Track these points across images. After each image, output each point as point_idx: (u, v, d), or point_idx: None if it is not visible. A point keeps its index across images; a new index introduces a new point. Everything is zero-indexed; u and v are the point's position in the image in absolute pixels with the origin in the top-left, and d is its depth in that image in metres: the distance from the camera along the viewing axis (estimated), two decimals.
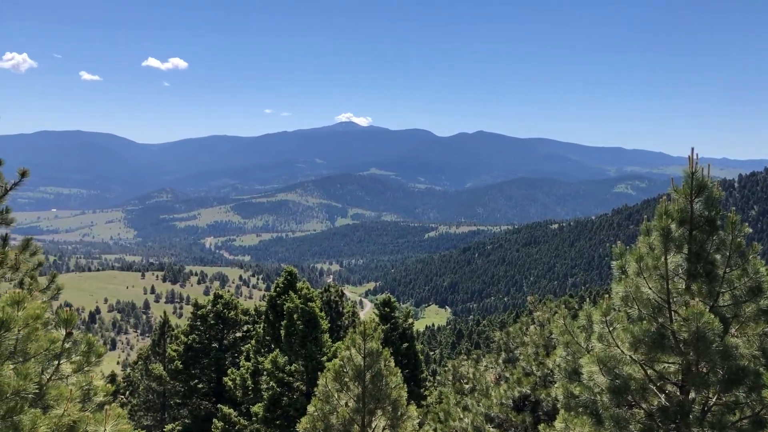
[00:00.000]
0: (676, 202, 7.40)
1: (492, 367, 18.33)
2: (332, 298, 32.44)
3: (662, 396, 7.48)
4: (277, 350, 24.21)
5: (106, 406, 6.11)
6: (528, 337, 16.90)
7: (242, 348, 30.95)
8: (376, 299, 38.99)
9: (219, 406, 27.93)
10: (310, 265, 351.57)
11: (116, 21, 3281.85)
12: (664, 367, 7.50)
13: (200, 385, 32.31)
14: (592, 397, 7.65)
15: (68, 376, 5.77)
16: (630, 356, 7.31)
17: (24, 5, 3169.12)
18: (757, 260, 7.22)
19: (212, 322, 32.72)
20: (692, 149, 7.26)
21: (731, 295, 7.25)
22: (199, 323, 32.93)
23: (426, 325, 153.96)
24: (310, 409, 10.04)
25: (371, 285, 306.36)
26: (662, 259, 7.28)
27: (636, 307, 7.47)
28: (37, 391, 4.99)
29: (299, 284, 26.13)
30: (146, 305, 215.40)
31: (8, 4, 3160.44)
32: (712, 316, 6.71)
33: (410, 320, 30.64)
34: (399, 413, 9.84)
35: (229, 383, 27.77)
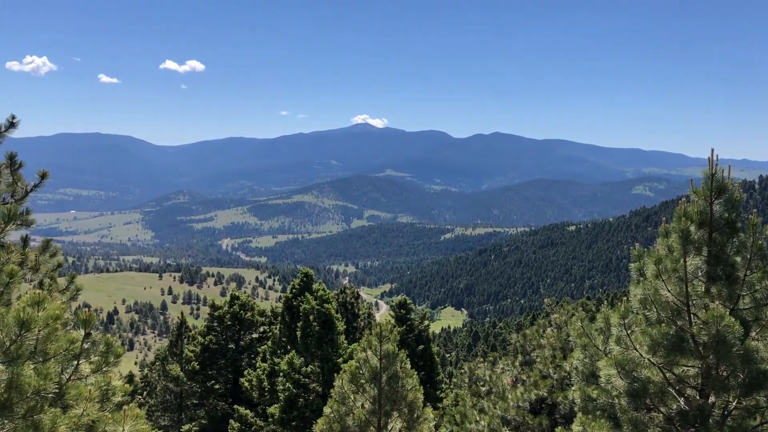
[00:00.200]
0: (696, 204, 7.32)
1: (508, 370, 18.25)
2: (348, 299, 32.46)
3: (681, 400, 7.40)
4: (294, 351, 24.28)
5: (125, 407, 6.16)
6: (545, 339, 16.82)
7: (259, 349, 31.07)
8: (392, 301, 38.99)
9: (235, 406, 28.06)
10: (326, 266, 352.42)
11: (134, 24, 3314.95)
12: (684, 371, 7.43)
13: (217, 386, 32.49)
14: (610, 401, 7.59)
15: (87, 376, 5.82)
16: (648, 359, 7.24)
17: (44, 10, 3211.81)
18: None
19: (229, 323, 32.89)
20: (712, 150, 7.19)
21: (752, 298, 7.16)
22: (215, 324, 33.11)
23: (442, 327, 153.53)
24: (327, 410, 10.06)
25: (387, 287, 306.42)
26: (681, 261, 7.20)
27: (654, 309, 7.40)
28: (56, 390, 5.04)
29: (315, 286, 26.20)
30: (163, 306, 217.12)
31: (29, 9, 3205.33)
32: (733, 320, 6.64)
33: (426, 322, 30.59)
34: (415, 415, 9.83)
35: (246, 384, 27.89)
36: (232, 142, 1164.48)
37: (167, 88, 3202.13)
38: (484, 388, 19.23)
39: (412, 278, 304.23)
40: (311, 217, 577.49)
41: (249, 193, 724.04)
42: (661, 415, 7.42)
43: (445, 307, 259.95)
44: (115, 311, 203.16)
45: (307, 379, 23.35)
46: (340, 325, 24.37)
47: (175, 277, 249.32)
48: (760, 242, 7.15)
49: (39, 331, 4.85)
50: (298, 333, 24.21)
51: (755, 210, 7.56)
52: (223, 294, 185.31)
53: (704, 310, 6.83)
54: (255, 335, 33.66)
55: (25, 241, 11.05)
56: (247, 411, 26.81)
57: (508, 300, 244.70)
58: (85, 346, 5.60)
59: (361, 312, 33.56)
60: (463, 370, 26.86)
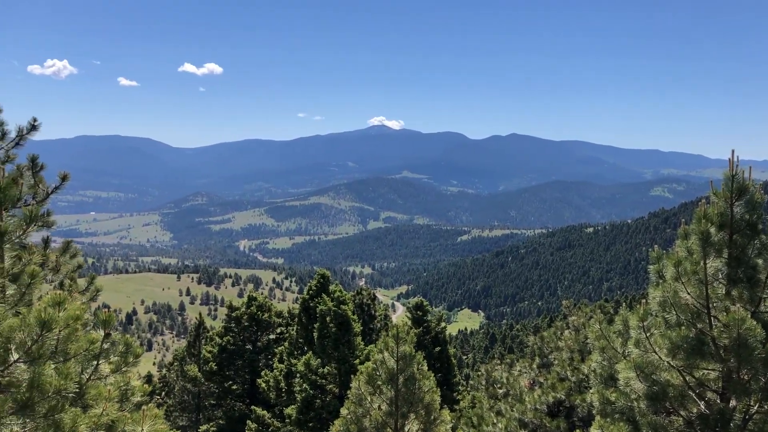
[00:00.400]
0: (716, 206, 7.24)
1: (526, 372, 18.15)
2: (364, 301, 32.48)
3: (702, 403, 7.32)
4: (310, 352, 24.33)
5: (144, 406, 6.21)
6: (562, 341, 16.72)
7: (276, 350, 31.18)
8: (409, 303, 38.95)
9: (253, 407, 28.19)
10: (343, 268, 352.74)
11: (153, 28, 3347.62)
12: (704, 374, 7.35)
13: (234, 387, 32.64)
14: (629, 404, 7.52)
15: (107, 376, 5.88)
16: (668, 362, 7.17)
17: (64, 13, 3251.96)
18: None
19: (246, 324, 33.05)
20: (732, 151, 7.12)
21: None
22: (233, 325, 33.29)
23: (459, 329, 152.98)
24: (343, 411, 10.07)
25: (403, 288, 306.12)
26: (701, 263, 7.13)
27: (674, 312, 7.33)
28: (77, 390, 5.08)
29: (332, 287, 26.25)
30: (182, 307, 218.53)
31: (49, 13, 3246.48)
32: (754, 323, 6.56)
33: (443, 324, 30.52)
34: (432, 417, 9.81)
35: (263, 385, 28.01)
36: (249, 144, 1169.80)
37: (186, 90, 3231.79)
38: (501, 391, 19.15)
39: (429, 280, 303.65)
40: (328, 218, 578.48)
41: (266, 195, 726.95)
42: (681, 418, 7.35)
43: (461, 309, 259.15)
44: (134, 312, 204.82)
45: (323, 381, 23.39)
46: (357, 327, 24.40)
47: (193, 278, 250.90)
48: None
49: (60, 331, 4.90)
50: (315, 334, 24.27)
51: None
52: (240, 295, 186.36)
53: (725, 313, 6.75)
54: (272, 336, 33.79)
55: (46, 242, 11.19)
56: (265, 412, 26.92)
57: (526, 302, 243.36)
58: (105, 346, 5.65)
59: (377, 313, 33.57)
60: (480, 372, 26.79)
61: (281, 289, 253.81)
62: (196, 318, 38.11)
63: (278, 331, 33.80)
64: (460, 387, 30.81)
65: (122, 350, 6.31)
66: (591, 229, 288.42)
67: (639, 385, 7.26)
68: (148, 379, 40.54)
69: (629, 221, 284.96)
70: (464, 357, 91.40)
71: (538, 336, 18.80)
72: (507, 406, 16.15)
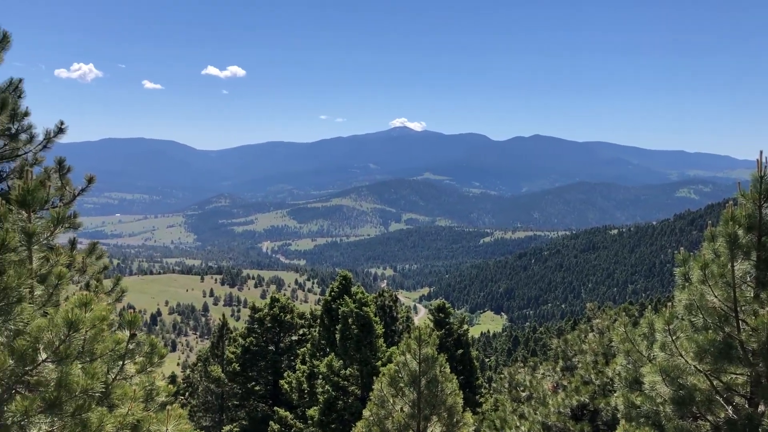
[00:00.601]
0: (744, 207, 7.13)
1: (549, 375, 18.02)
2: (386, 302, 32.48)
3: (729, 408, 7.21)
4: (333, 354, 24.39)
5: (168, 407, 6.26)
6: (587, 344, 16.57)
7: (298, 351, 31.30)
8: (431, 305, 38.89)
9: (275, 408, 28.33)
10: (364, 269, 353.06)
11: (177, 31, 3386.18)
12: (732, 379, 7.24)
13: (257, 388, 32.82)
14: (655, 408, 7.43)
15: (132, 376, 5.93)
16: (695, 366, 7.08)
17: (91, 18, 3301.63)
18: None
19: (269, 325, 33.21)
20: (761, 152, 7.00)
21: None
22: (256, 326, 33.47)
23: (481, 332, 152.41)
24: (366, 413, 10.08)
25: (425, 290, 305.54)
26: (728, 266, 7.02)
27: (701, 315, 7.23)
28: (103, 390, 5.14)
29: (354, 289, 26.29)
30: (205, 308, 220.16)
31: (76, 17, 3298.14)
32: None
33: (465, 326, 30.43)
34: (455, 420, 9.78)
35: (286, 386, 28.13)
36: (272, 146, 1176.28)
37: (209, 93, 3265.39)
38: (524, 394, 19.03)
39: (451, 282, 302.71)
40: (349, 220, 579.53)
41: (288, 197, 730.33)
42: (708, 423, 7.24)
43: (484, 312, 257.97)
44: (159, 313, 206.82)
45: (346, 382, 23.42)
46: (379, 329, 24.40)
47: (216, 279, 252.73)
48: None
49: (86, 331, 4.96)
50: (337, 336, 24.32)
51: None
52: (263, 296, 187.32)
53: (753, 317, 6.64)
54: (294, 337, 33.92)
55: (72, 243, 11.34)
56: (287, 413, 27.03)
57: (549, 304, 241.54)
58: (131, 346, 5.71)
59: (399, 315, 33.55)
60: (502, 375, 26.61)
61: (303, 290, 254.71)
62: (220, 319, 38.37)
63: (300, 332, 33.93)
64: (482, 390, 30.70)
65: (147, 351, 6.37)
66: (615, 231, 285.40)
67: (665, 389, 7.17)
68: (173, 379, 40.93)
69: (654, 223, 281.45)
70: (487, 360, 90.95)
71: (562, 339, 18.66)
72: (530, 410, 16.04)
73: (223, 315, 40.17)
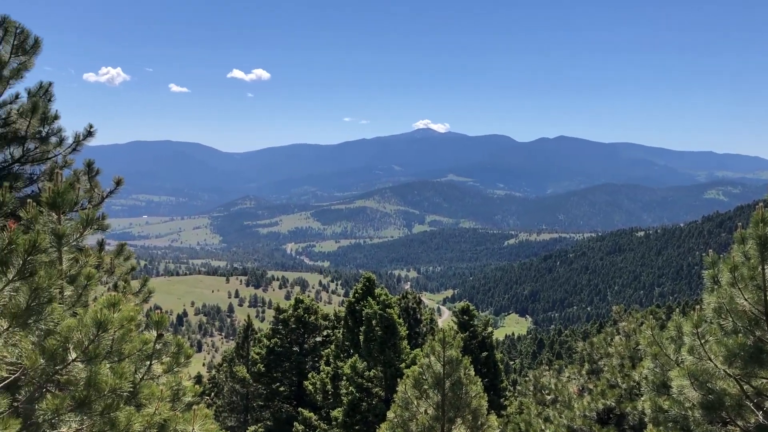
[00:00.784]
0: None
1: (575, 378, 17.86)
2: (410, 304, 32.43)
3: (760, 413, 7.08)
4: (356, 355, 24.42)
5: (194, 407, 6.33)
6: (613, 348, 16.38)
7: (322, 352, 31.40)
8: (455, 307, 38.75)
9: (300, 409, 28.44)
10: (388, 271, 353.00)
11: (203, 35, 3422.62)
12: (763, 383, 7.11)
13: (282, 388, 32.99)
14: (683, 413, 7.33)
15: (159, 376, 6.00)
16: (724, 371, 6.96)
17: (119, 22, 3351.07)
18: None
19: (293, 326, 33.37)
20: None
21: None
22: (281, 327, 33.65)
23: (506, 334, 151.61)
24: (390, 415, 10.07)
25: (449, 292, 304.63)
26: (759, 269, 6.90)
27: (730, 319, 7.11)
28: (131, 389, 5.20)
29: (377, 290, 26.31)
30: (230, 309, 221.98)
31: (104, 22, 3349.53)
32: None
33: (489, 329, 30.30)
34: (479, 422, 9.73)
35: (310, 387, 28.23)
36: (296, 148, 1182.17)
37: (234, 96, 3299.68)
38: (549, 397, 18.87)
39: (475, 284, 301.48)
40: (373, 222, 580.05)
41: (312, 199, 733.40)
42: (737, 429, 7.12)
43: (508, 314, 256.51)
44: (185, 313, 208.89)
45: (369, 384, 23.45)
46: (403, 330, 24.39)
47: (241, 281, 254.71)
48: None
49: (114, 331, 5.03)
50: (361, 337, 24.35)
51: None
52: (287, 297, 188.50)
53: None
54: (318, 339, 34.03)
55: (100, 245, 11.51)
56: (311, 414, 27.13)
57: (574, 307, 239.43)
58: (158, 347, 5.77)
59: (423, 317, 33.47)
60: (527, 378, 26.45)
61: (327, 291, 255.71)
62: (245, 320, 38.63)
63: (324, 333, 34.03)
64: (507, 392, 30.52)
65: (174, 351, 6.44)
66: (642, 233, 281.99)
67: (693, 393, 7.07)
68: (198, 379, 41.36)
69: (682, 225, 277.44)
70: (511, 362, 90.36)
71: (588, 342, 18.48)
72: (555, 413, 15.91)
73: (248, 316, 40.44)
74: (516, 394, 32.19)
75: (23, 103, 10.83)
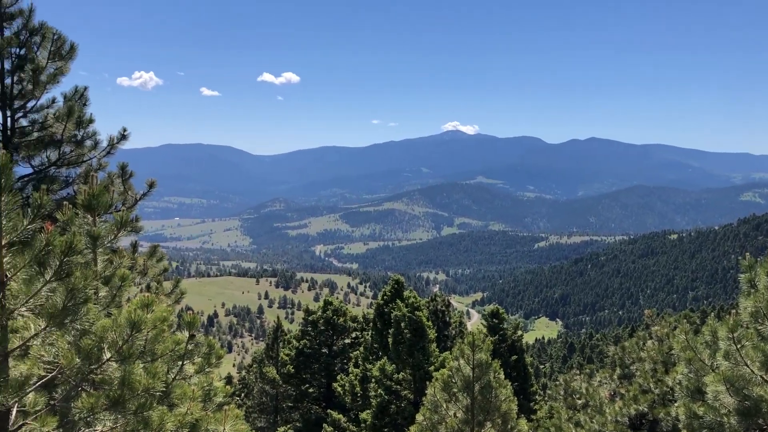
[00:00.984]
0: None
1: (606, 383, 17.62)
2: (439, 307, 32.37)
3: None
4: (385, 358, 24.43)
5: (225, 407, 6.40)
6: (645, 352, 16.14)
7: (351, 354, 31.48)
8: (484, 310, 38.59)
9: (329, 410, 28.53)
10: (416, 273, 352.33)
11: (234, 39, 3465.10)
12: None
13: (311, 390, 33.14)
14: (718, 419, 7.19)
15: (191, 376, 6.09)
16: (761, 377, 6.81)
17: (151, 27, 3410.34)
18: None
19: (322, 328, 33.51)
20: None
21: None
22: (310, 329, 33.82)
23: (536, 338, 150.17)
24: (419, 417, 10.06)
25: (478, 295, 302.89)
26: None
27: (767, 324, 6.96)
28: (164, 389, 5.28)
29: (406, 293, 26.29)
30: (260, 310, 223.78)
31: (137, 27, 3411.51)
32: None
33: (519, 332, 30.09)
34: (509, 426, 9.67)
35: (339, 389, 28.32)
36: (325, 151, 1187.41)
37: (264, 99, 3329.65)
38: (580, 401, 18.66)
39: (505, 287, 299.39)
40: (401, 224, 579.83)
41: (341, 201, 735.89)
42: None
43: (539, 317, 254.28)
44: (215, 314, 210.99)
45: (398, 386, 23.43)
46: (431, 333, 24.33)
47: (271, 282, 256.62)
48: None
49: (148, 332, 5.11)
50: (390, 340, 24.35)
51: None
52: (316, 299, 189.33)
53: None
54: (347, 340, 34.13)
55: (134, 246, 11.71)
56: (340, 415, 27.20)
57: (606, 311, 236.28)
58: (190, 347, 5.85)
59: (452, 320, 33.39)
60: (558, 382, 26.20)
61: (356, 293, 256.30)
62: (274, 321, 38.91)
63: (353, 335, 34.13)
64: (537, 397, 30.26)
65: (205, 351, 6.52)
66: (675, 236, 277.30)
67: (729, 399, 6.93)
68: (229, 380, 41.70)
69: (716, 228, 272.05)
70: (541, 366, 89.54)
71: (619, 346, 18.23)
72: (586, 418, 15.73)
73: (278, 317, 40.73)
74: (546, 399, 31.91)
75: (59, 107, 11.08)
